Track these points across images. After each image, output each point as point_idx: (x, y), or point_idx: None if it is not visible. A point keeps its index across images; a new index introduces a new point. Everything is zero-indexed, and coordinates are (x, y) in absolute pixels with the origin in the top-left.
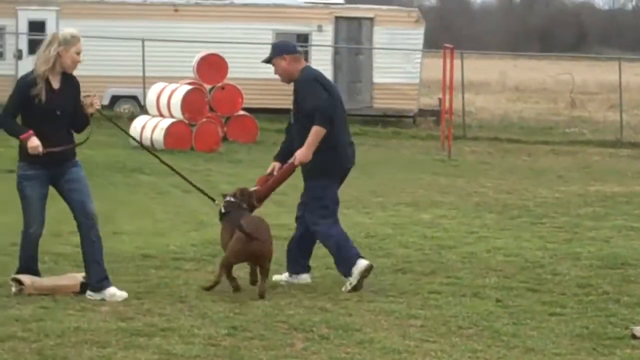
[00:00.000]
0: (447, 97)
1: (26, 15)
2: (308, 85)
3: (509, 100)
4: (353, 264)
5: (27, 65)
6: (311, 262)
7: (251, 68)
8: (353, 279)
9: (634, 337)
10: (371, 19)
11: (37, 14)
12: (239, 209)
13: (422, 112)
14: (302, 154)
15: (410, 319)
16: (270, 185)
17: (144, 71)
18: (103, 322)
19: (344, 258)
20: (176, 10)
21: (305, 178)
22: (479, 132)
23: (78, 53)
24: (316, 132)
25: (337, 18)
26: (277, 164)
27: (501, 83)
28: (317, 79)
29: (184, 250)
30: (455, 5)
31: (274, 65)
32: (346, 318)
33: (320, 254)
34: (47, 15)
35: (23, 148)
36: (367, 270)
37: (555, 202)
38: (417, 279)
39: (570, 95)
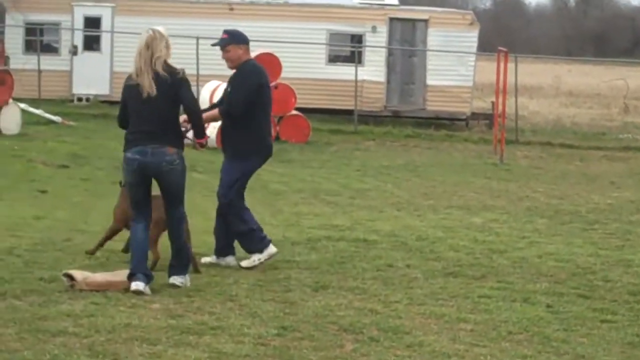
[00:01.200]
0: (500, 100)
1: (82, 11)
2: (245, 77)
3: (562, 105)
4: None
5: (82, 60)
6: (362, 264)
7: (304, 68)
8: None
9: None
10: (425, 21)
11: (92, 10)
12: None
13: (475, 116)
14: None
15: (460, 323)
16: None
17: (197, 69)
18: (153, 319)
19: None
20: (231, 9)
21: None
22: (531, 136)
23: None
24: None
25: (392, 19)
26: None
27: (555, 87)
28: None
29: (235, 250)
30: (510, 8)
31: (228, 51)
32: (396, 320)
33: (371, 256)
34: (103, 11)
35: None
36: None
37: (608, 208)
38: (467, 283)
39: (624, 101)
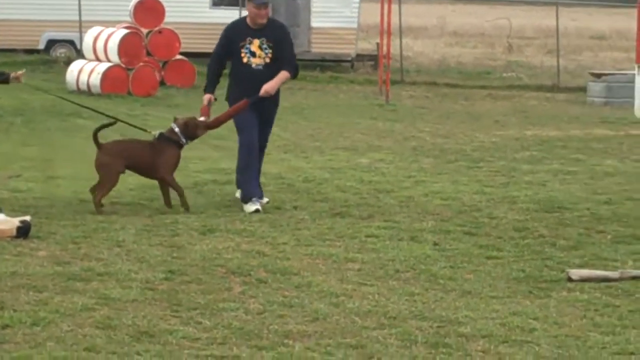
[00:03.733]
0: (385, 41)
1: None
2: (287, 32)
3: (447, 44)
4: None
5: None
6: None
7: (188, 12)
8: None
9: (569, 279)
10: None
11: None
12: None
13: (360, 57)
14: (275, 86)
15: (347, 263)
16: (223, 117)
17: (80, 15)
18: (40, 267)
19: None
20: None
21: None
22: (416, 76)
23: None
24: (285, 76)
25: None
26: (210, 96)
27: (439, 28)
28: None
29: (121, 195)
30: None
31: (265, 9)
32: (284, 262)
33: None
34: None
35: None
36: None
37: (492, 147)
38: (354, 223)
39: (507, 40)
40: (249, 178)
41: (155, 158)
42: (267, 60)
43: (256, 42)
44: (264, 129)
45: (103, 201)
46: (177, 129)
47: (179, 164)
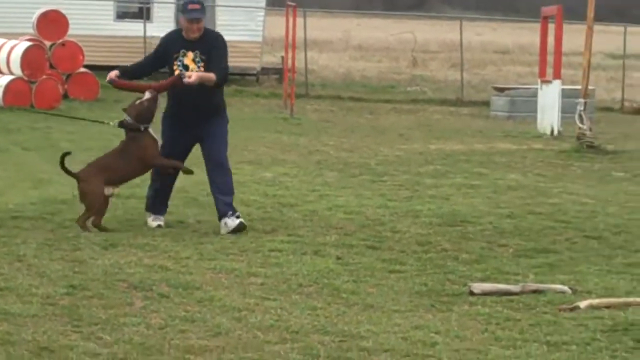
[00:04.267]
0: (290, 55)
1: None
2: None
3: (352, 58)
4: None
5: None
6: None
7: (92, 24)
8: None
9: (471, 293)
10: None
11: None
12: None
13: (265, 70)
14: (200, 77)
15: (250, 277)
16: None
17: None
18: None
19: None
20: None
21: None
22: (321, 90)
23: None
24: (209, 76)
25: None
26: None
27: (344, 41)
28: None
29: (23, 209)
30: None
31: (198, 23)
32: (186, 276)
33: (165, 218)
34: None
35: None
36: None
37: (396, 160)
38: (258, 237)
39: (412, 54)
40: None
41: (132, 158)
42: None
43: (190, 54)
44: (211, 145)
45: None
46: (129, 119)
47: (158, 146)
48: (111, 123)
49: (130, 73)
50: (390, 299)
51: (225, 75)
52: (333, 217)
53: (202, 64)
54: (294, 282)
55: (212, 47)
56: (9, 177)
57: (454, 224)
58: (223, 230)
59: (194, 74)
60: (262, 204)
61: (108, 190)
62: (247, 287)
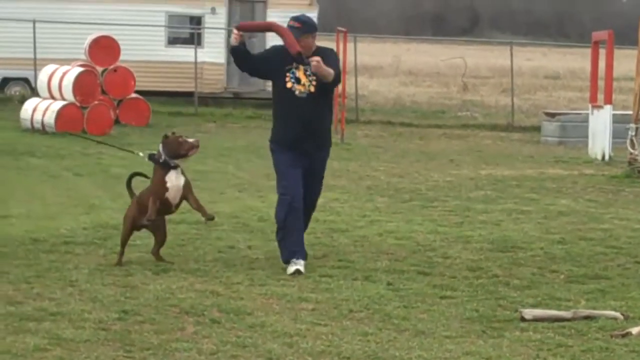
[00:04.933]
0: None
1: None
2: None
3: (402, 84)
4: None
5: None
6: (203, 247)
7: (143, 50)
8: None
9: (522, 319)
10: (264, 2)
11: None
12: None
13: None
14: (322, 66)
15: (301, 303)
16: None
17: (35, 53)
18: None
19: None
20: None
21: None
22: (371, 115)
23: None
24: (329, 71)
25: (231, 0)
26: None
27: (394, 67)
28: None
29: (75, 234)
30: None
31: (306, 39)
32: (237, 302)
33: (212, 238)
34: None
35: None
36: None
37: (447, 186)
38: (309, 263)
39: (462, 79)
40: (286, 236)
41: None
42: (312, 89)
43: (301, 68)
44: (312, 184)
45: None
46: (160, 147)
47: (165, 188)
48: (141, 154)
49: (244, 52)
50: (441, 325)
51: (339, 76)
52: (384, 242)
53: (313, 79)
54: (345, 308)
55: (324, 59)
56: (61, 203)
57: (504, 250)
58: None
59: (317, 58)
60: (313, 229)
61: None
62: (298, 313)
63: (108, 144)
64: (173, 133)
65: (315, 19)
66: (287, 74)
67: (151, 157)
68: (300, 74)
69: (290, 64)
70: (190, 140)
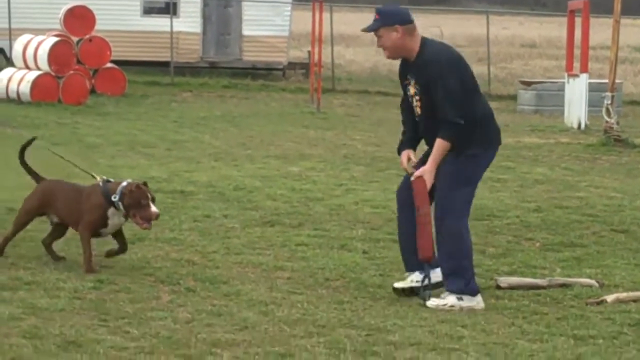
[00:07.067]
0: (317, 49)
1: None
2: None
3: (379, 53)
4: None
5: None
6: (179, 216)
7: (119, 20)
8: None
9: (498, 287)
10: None
11: None
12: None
13: (292, 65)
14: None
15: (277, 271)
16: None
17: (10, 23)
18: None
19: None
20: None
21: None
22: (348, 85)
23: None
24: (442, 146)
25: None
26: (408, 152)
27: (371, 36)
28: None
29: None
30: None
31: (379, 36)
32: (213, 271)
33: (188, 207)
34: None
35: None
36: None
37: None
38: (284, 232)
39: None
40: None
41: (77, 208)
42: (418, 110)
43: (412, 81)
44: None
45: None
46: (116, 199)
47: (105, 224)
48: (97, 178)
49: (406, 135)
50: (416, 293)
51: (454, 125)
52: (360, 211)
53: (418, 98)
54: (321, 276)
55: (427, 76)
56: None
57: (480, 218)
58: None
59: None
60: (289, 198)
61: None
62: (273, 281)
63: (69, 161)
64: (145, 184)
65: None
66: (407, 92)
67: (104, 186)
68: (412, 89)
69: (406, 78)
70: (153, 209)
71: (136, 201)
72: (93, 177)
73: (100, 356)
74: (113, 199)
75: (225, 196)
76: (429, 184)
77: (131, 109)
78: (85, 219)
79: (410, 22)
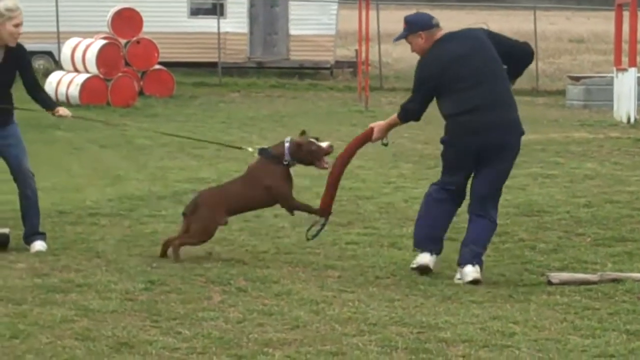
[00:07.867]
0: (364, 48)
1: None
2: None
3: None
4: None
5: None
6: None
7: (166, 21)
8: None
9: (549, 283)
10: None
11: None
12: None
13: (339, 64)
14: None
15: (327, 270)
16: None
17: (58, 26)
18: (19, 279)
19: None
20: None
21: None
22: (395, 83)
23: (16, 25)
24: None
25: None
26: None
27: None
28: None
29: (100, 206)
30: None
31: (409, 43)
32: (264, 270)
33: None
34: None
35: None
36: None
37: None
38: (334, 230)
39: None
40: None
41: (259, 187)
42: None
43: None
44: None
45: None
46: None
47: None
48: (250, 149)
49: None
50: (468, 290)
51: (405, 110)
52: (409, 209)
53: None
54: (371, 275)
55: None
56: (86, 175)
57: (530, 214)
58: (456, 279)
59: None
60: (338, 197)
61: (224, 220)
62: (324, 280)
63: (216, 142)
64: (303, 132)
65: None
66: None
67: (263, 153)
68: None
69: None
70: (324, 145)
71: (307, 152)
72: (243, 149)
73: (153, 357)
74: (285, 163)
75: None
76: (374, 137)
77: (180, 110)
78: (282, 191)
79: (432, 26)
